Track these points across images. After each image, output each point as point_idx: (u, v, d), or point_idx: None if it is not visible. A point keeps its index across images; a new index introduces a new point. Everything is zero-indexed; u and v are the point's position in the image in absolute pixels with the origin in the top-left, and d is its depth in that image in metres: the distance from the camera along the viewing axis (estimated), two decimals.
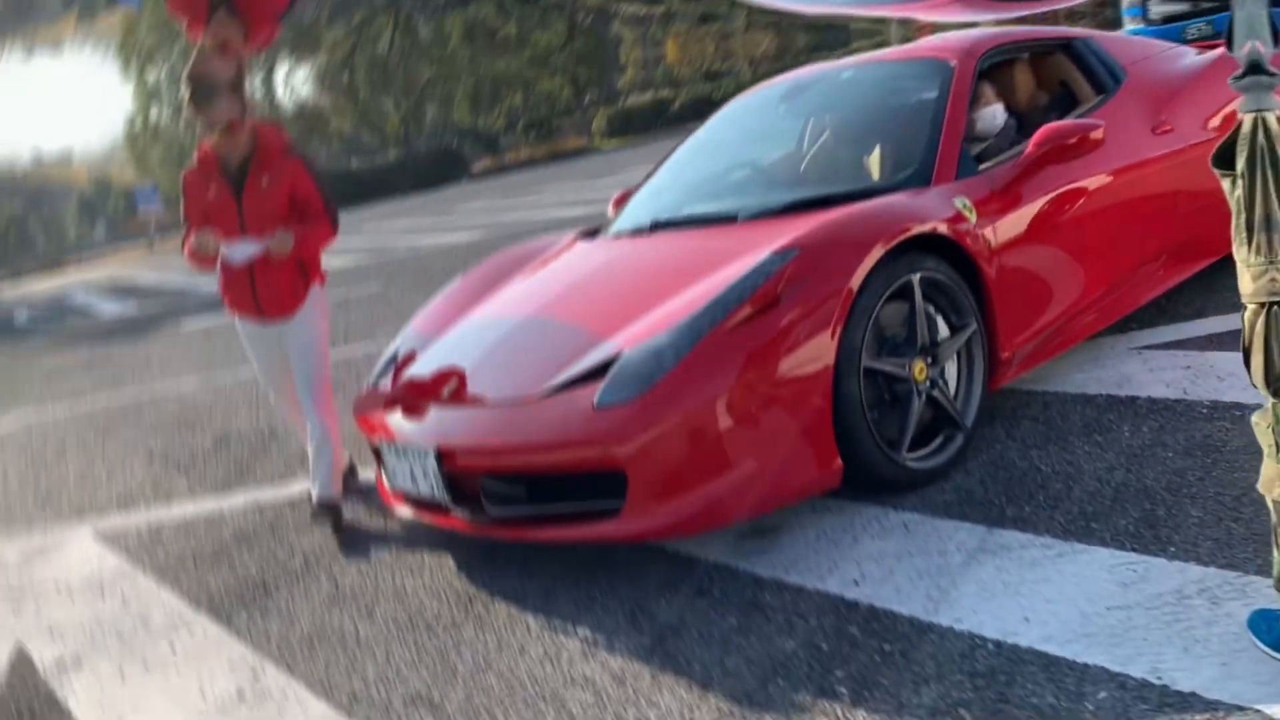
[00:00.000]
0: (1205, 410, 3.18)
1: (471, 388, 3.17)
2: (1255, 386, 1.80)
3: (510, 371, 3.16)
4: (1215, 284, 4.31)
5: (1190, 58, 4.50)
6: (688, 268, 3.28)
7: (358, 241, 19.32)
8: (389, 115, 49.83)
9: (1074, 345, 3.69)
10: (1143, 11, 16.47)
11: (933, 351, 3.10)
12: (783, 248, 2.96)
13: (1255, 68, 1.70)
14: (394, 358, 3.77)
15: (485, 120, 51.74)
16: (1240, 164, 1.71)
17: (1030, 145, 3.44)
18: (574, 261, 3.88)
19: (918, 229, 3.03)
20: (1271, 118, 1.69)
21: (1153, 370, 3.60)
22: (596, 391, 2.82)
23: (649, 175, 4.57)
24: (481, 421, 3.02)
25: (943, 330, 3.16)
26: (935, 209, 3.18)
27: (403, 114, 49.48)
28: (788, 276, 2.86)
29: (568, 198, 17.98)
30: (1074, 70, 4.14)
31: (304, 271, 3.69)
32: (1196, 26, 15.57)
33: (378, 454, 3.55)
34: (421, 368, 3.49)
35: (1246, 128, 1.71)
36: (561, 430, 2.82)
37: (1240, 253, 1.75)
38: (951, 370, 3.18)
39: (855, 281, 2.88)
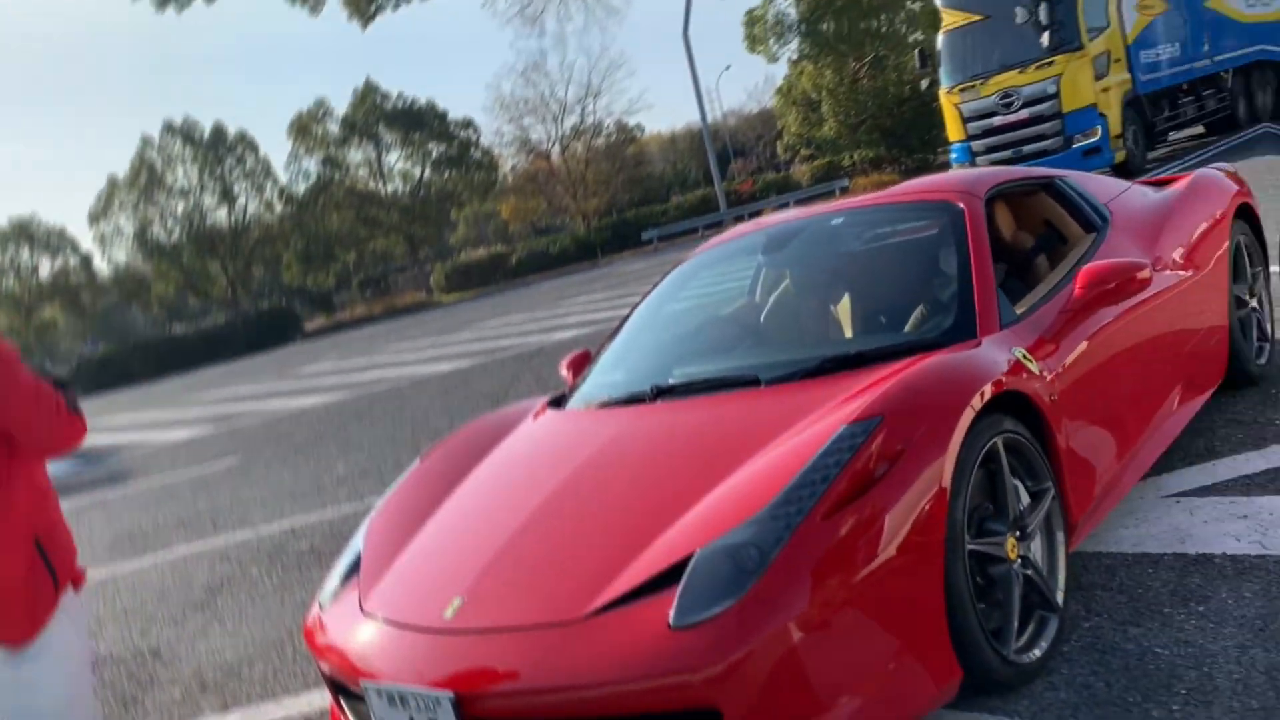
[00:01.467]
0: None
1: (485, 609, 2.55)
2: None
3: (535, 585, 2.56)
4: (1210, 421, 4.15)
5: (1151, 194, 4.45)
6: (726, 443, 2.81)
7: (196, 412, 17.98)
8: (215, 278, 47.97)
9: (1122, 499, 3.39)
10: (968, 157, 17.53)
11: (1021, 524, 2.71)
12: (860, 416, 2.53)
13: None
14: (354, 565, 3.10)
15: (317, 279, 50.52)
16: None
17: (1077, 287, 3.19)
18: (566, 439, 3.34)
19: (1004, 387, 2.67)
20: None
21: (1207, 522, 3.31)
22: (669, 607, 2.27)
23: (612, 334, 4.11)
24: (512, 654, 2.39)
25: (1024, 498, 2.78)
26: (999, 363, 2.84)
27: (230, 275, 47.73)
28: (878, 451, 2.43)
29: (425, 354, 17.31)
30: (1058, 209, 3.99)
31: (47, 564, 2.22)
32: None
33: (341, 691, 2.85)
34: (403, 581, 2.85)
35: None
36: (628, 661, 2.23)
37: None
38: (1035, 544, 2.79)
39: (952, 451, 2.47)
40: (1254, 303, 4.60)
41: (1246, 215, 4.65)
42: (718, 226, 38.44)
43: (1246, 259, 4.58)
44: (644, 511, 2.64)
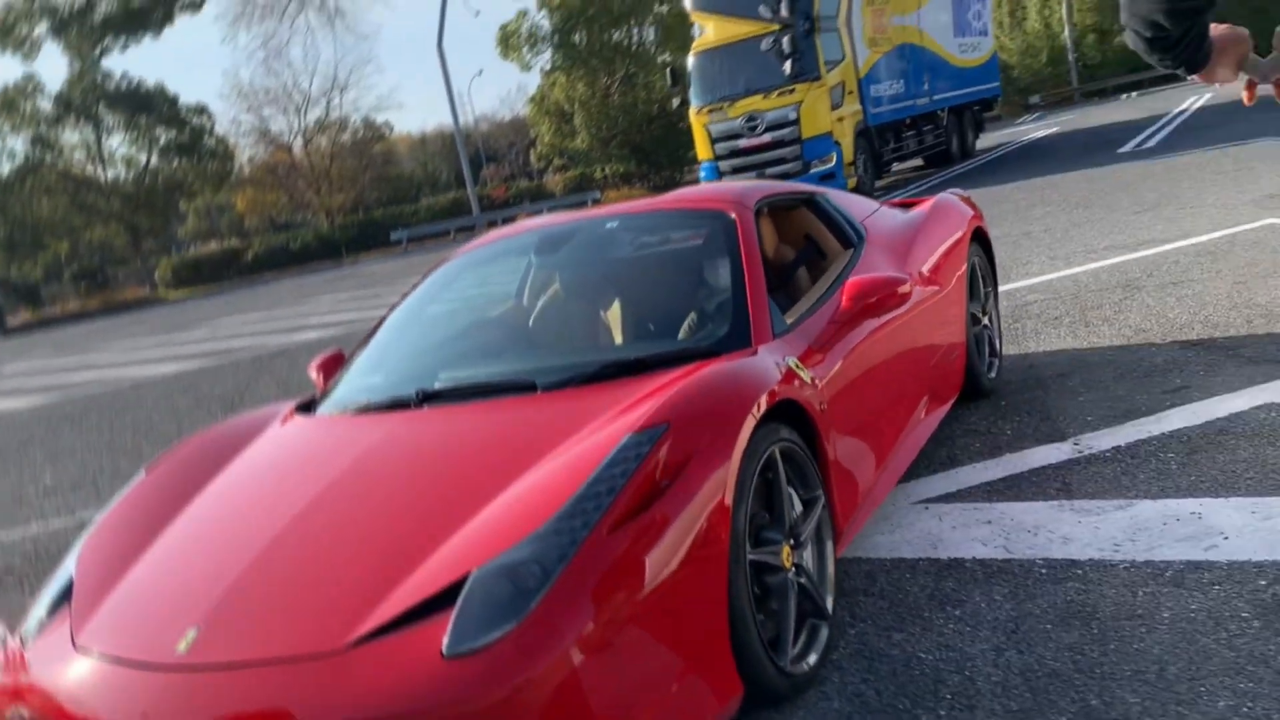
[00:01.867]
0: (1043, 571, 3.05)
1: (227, 640, 2.25)
2: None
3: (286, 612, 2.29)
4: (950, 431, 4.39)
5: (899, 214, 4.67)
6: (502, 452, 2.64)
7: None
8: None
9: (879, 506, 3.49)
10: (715, 175, 18.14)
11: (795, 533, 2.71)
12: (644, 424, 2.43)
13: None
14: (64, 593, 2.69)
15: (22, 269, 45.77)
16: None
17: (844, 299, 3.24)
18: (320, 447, 3.05)
19: (781, 395, 2.66)
20: None
21: (955, 528, 3.47)
22: (442, 633, 2.08)
23: (369, 335, 3.84)
24: (263, 692, 2.11)
25: (797, 506, 2.78)
26: (775, 372, 2.83)
27: None
28: (664, 460, 2.34)
29: (149, 354, 15.95)
30: (819, 224, 4.09)
31: None
32: None
33: None
34: (125, 611, 2.49)
35: None
36: (399, 694, 2.02)
37: None
38: (808, 552, 2.80)
39: (735, 460, 2.42)
40: (986, 320, 4.93)
41: (980, 238, 4.98)
42: (470, 231, 37.99)
43: (981, 279, 4.91)
44: (412, 527, 2.43)
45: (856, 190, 17.02)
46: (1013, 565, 3.12)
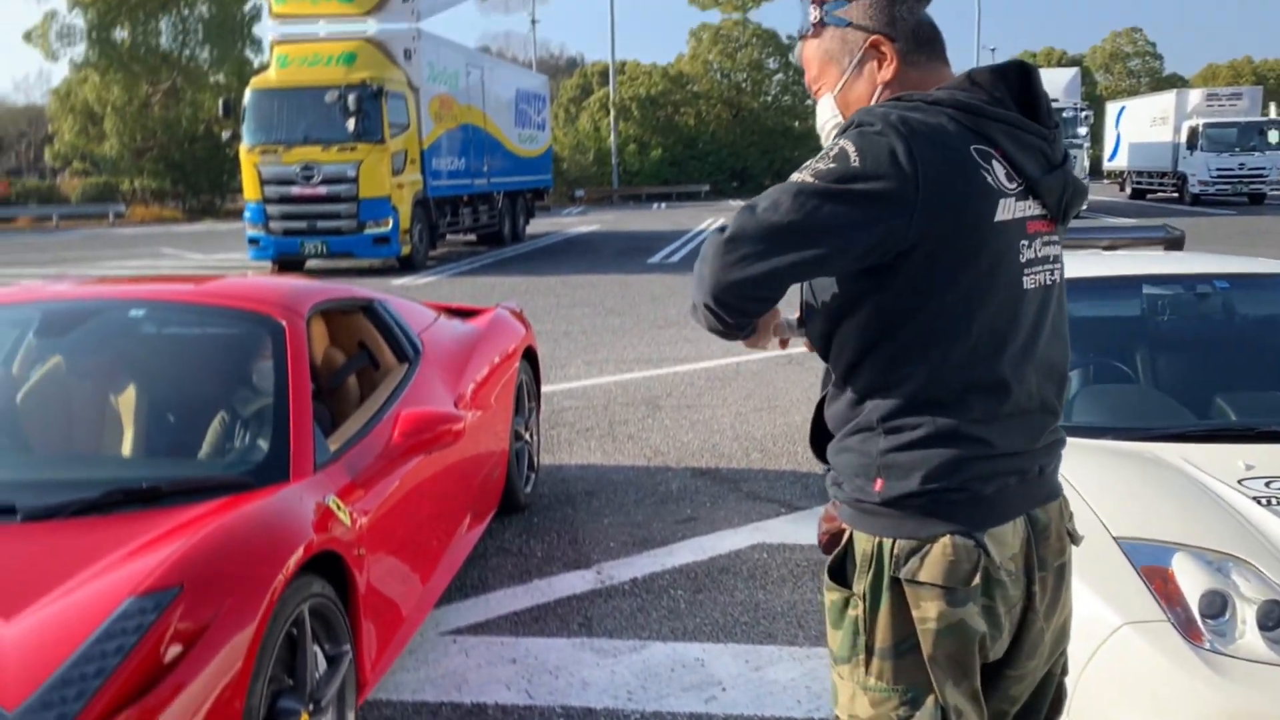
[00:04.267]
0: (561, 718, 3.10)
1: None
2: None
3: None
4: (484, 549, 4.39)
5: (457, 326, 4.65)
6: None
7: None
8: None
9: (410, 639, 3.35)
10: (263, 219, 17.22)
11: (316, 698, 2.49)
12: (152, 587, 2.11)
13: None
14: None
15: None
16: (862, 586, 1.62)
17: (397, 433, 3.09)
18: None
19: (318, 547, 2.45)
20: (889, 543, 1.63)
21: (481, 665, 3.43)
22: None
23: None
24: None
25: (321, 665, 2.57)
26: (311, 514, 2.62)
27: None
28: (173, 631, 2.04)
29: None
30: (375, 334, 3.93)
31: None
32: (314, 244, 16.89)
33: None
34: None
35: (865, 549, 1.62)
36: None
37: (854, 674, 1.64)
38: (328, 716, 2.59)
39: (258, 627, 2.18)
40: (527, 435, 5.04)
41: (530, 356, 5.12)
42: None
43: (526, 395, 5.02)
44: None
45: (410, 256, 16.97)
46: (533, 713, 3.14)
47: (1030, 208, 1.61)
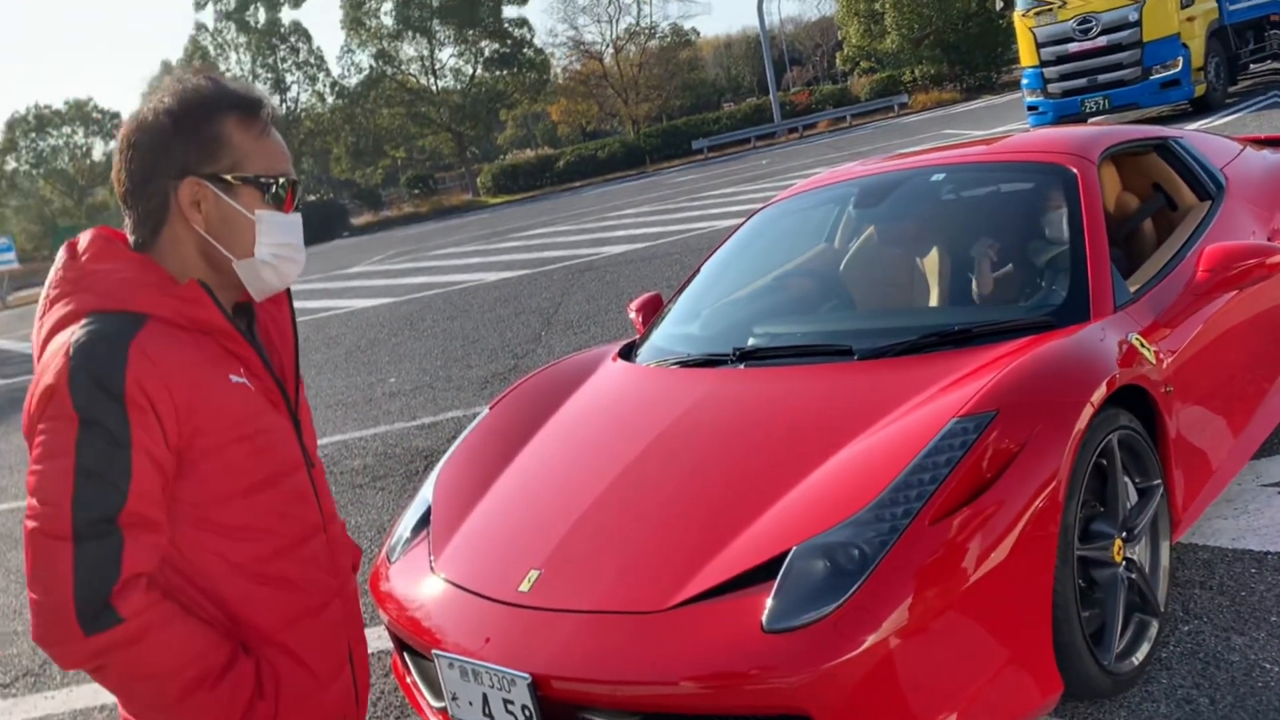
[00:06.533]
0: None
1: (563, 587, 2.46)
2: None
3: (615, 567, 2.46)
4: None
5: (1268, 157, 4.17)
6: (819, 423, 2.67)
7: None
8: None
9: (1223, 490, 3.22)
10: (1040, 84, 16.86)
11: (1129, 525, 2.57)
12: (971, 409, 2.37)
13: None
14: (424, 518, 3.02)
15: (365, 174, 50.43)
16: None
17: (1201, 268, 2.98)
18: (644, 400, 3.19)
19: (1122, 380, 2.50)
20: None
21: None
22: (760, 606, 2.16)
23: (685, 282, 3.95)
24: (593, 640, 2.30)
25: (1132, 496, 2.63)
26: (1115, 350, 2.66)
27: None
28: (992, 450, 2.28)
29: (472, 260, 17.18)
30: (1171, 173, 3.73)
31: None
32: (1094, 101, 16.07)
33: (404, 645, 2.78)
34: (475, 545, 2.77)
35: None
36: (716, 660, 2.13)
37: None
38: (1141, 545, 2.64)
39: (1070, 452, 2.32)
40: None
41: None
42: (770, 137, 37.69)
43: None
44: (731, 494, 2.52)
45: (1205, 97, 15.27)
46: None
47: None
